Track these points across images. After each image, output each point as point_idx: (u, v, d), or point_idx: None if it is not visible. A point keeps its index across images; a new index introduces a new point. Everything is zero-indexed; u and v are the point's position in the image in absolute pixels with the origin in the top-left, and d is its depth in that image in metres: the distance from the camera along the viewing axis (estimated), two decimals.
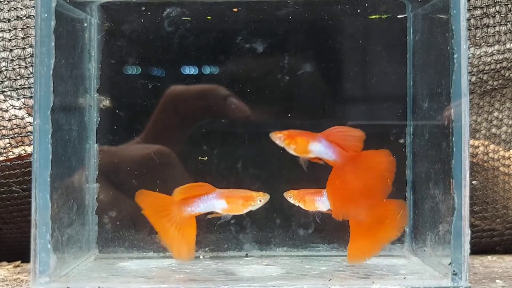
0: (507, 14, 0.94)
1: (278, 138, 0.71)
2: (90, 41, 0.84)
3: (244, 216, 0.83)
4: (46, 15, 0.70)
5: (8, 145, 0.91)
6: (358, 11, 0.84)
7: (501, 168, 0.97)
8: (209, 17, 0.83)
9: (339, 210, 0.72)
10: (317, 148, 0.71)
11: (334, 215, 0.74)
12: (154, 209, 0.78)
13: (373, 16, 0.84)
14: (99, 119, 0.85)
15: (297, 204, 0.78)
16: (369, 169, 0.73)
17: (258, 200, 0.78)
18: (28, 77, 0.91)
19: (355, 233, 0.79)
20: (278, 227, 0.85)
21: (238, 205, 0.78)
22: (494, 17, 0.94)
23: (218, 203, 0.78)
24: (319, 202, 0.77)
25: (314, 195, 0.77)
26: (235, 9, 0.81)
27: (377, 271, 0.77)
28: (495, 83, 0.96)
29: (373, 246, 0.79)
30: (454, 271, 0.69)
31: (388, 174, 0.73)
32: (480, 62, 0.94)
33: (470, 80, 0.92)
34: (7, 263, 0.94)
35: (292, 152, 0.71)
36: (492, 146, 0.96)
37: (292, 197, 0.78)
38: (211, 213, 0.79)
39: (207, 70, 0.86)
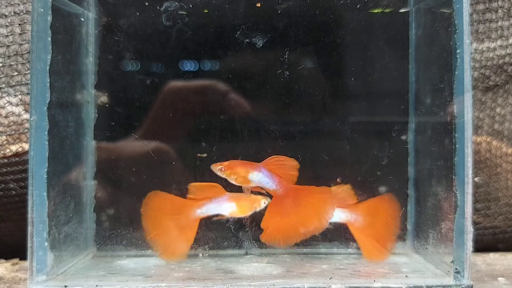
0: (510, 9, 0.93)
1: (219, 169, 0.71)
2: (87, 36, 0.83)
3: (229, 221, 0.83)
4: (42, 10, 0.69)
5: (5, 142, 0.90)
6: (358, 6, 0.83)
7: (504, 165, 0.96)
8: (205, 11, 0.83)
9: (269, 235, 0.74)
10: (257, 178, 0.72)
11: (262, 239, 0.75)
12: (166, 210, 0.78)
13: (376, 10, 0.83)
14: (96, 115, 0.85)
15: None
16: (307, 204, 0.74)
17: (263, 202, 0.79)
18: (26, 74, 0.90)
19: (359, 236, 0.81)
20: None
21: (246, 208, 0.79)
22: (496, 12, 0.93)
23: (229, 206, 0.79)
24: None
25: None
26: (259, 4, 0.81)
27: (379, 269, 0.77)
28: (497, 78, 0.95)
29: (382, 241, 0.80)
30: (456, 269, 0.69)
31: (324, 211, 0.74)
32: (483, 57, 0.94)
33: (472, 76, 0.91)
34: (5, 260, 0.93)
35: (233, 182, 0.73)
36: (494, 143, 0.96)
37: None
38: (217, 215, 0.80)
39: (205, 65, 0.85)
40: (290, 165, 0.74)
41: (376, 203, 0.82)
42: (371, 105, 0.86)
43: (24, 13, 0.90)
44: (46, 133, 0.69)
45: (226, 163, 0.73)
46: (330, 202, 0.74)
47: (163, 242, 0.79)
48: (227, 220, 0.80)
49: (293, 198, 0.72)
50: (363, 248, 0.82)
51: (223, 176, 0.72)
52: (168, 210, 0.79)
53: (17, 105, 0.90)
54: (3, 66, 0.90)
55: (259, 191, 0.76)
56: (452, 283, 0.68)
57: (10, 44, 0.90)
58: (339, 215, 0.79)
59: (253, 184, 0.72)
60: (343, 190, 0.80)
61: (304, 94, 0.85)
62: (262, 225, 0.74)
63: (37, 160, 0.69)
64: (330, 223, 0.78)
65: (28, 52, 0.90)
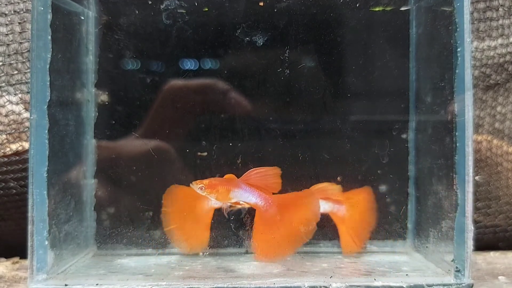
0: (511, 7, 0.93)
1: (199, 188, 0.71)
2: (87, 34, 0.83)
3: (243, 213, 0.83)
4: (42, 8, 0.69)
5: (5, 141, 0.90)
6: (358, 5, 0.83)
7: (504, 164, 0.96)
8: (205, 9, 0.82)
9: (261, 252, 0.74)
10: (238, 194, 0.72)
11: (257, 259, 0.75)
12: (187, 203, 0.78)
13: (377, 8, 0.83)
14: (96, 114, 0.85)
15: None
16: (293, 211, 0.74)
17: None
18: (26, 72, 0.90)
19: (341, 228, 0.81)
20: None
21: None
22: (497, 10, 0.93)
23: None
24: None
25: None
26: (261, 3, 0.81)
27: (379, 268, 0.76)
28: (498, 77, 0.95)
29: (360, 235, 0.81)
30: (457, 267, 0.69)
31: (311, 215, 0.75)
32: (483, 56, 0.94)
33: (473, 74, 0.91)
34: (5, 259, 0.93)
35: (214, 200, 0.72)
36: (495, 142, 0.95)
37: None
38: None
39: (206, 63, 0.85)
40: (272, 174, 0.74)
41: (356, 195, 0.82)
42: (371, 103, 0.86)
43: (24, 12, 0.90)
44: (46, 131, 0.69)
45: (206, 181, 0.72)
46: (315, 204, 0.74)
47: (185, 233, 0.79)
48: (239, 211, 0.80)
49: (277, 208, 0.72)
50: (343, 240, 0.82)
51: (203, 194, 0.72)
52: (187, 203, 0.78)
53: (17, 103, 0.90)
54: (3, 64, 0.90)
55: (239, 206, 0.76)
56: (453, 281, 0.68)
57: (10, 42, 0.90)
58: (323, 206, 0.80)
59: (234, 200, 0.72)
60: (333, 189, 0.81)
61: (304, 92, 0.85)
62: (254, 241, 0.74)
63: (37, 159, 0.69)
64: (243, 202, 0.78)
65: (28, 51, 0.90)
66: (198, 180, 0.73)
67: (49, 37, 0.69)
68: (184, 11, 0.82)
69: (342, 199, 0.81)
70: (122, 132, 0.85)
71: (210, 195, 0.72)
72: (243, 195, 0.71)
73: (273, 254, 0.74)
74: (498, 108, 0.96)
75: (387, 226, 0.86)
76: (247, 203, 0.72)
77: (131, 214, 0.85)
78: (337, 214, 0.80)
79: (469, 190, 0.68)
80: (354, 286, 0.67)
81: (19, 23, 0.90)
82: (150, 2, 0.81)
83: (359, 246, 0.82)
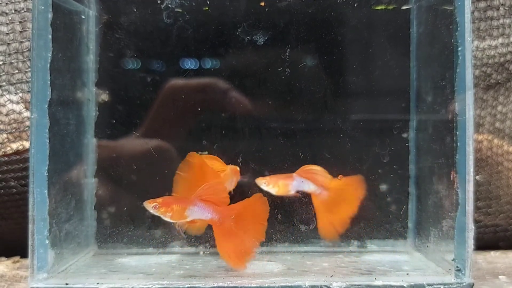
0: None
1: (152, 207, 0.70)
2: (87, 33, 0.83)
3: None
4: (43, 8, 0.69)
5: (5, 140, 0.90)
6: (358, 4, 0.83)
7: (505, 163, 0.96)
8: (206, 8, 0.82)
9: (234, 262, 0.74)
10: (193, 211, 0.72)
11: (235, 268, 0.75)
12: (202, 174, 0.75)
13: (379, 7, 0.83)
14: (97, 113, 0.85)
15: (269, 190, 0.81)
16: (247, 217, 0.75)
17: None
18: (26, 71, 0.90)
19: (319, 211, 0.81)
20: (279, 223, 0.85)
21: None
22: (498, 9, 0.93)
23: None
24: (290, 186, 0.81)
25: (287, 180, 0.81)
26: (262, 3, 0.81)
27: (380, 267, 0.76)
28: (499, 76, 0.95)
29: (339, 221, 0.82)
30: (457, 267, 0.69)
31: (262, 216, 0.75)
32: (484, 55, 0.93)
33: (473, 74, 0.91)
34: (5, 258, 0.93)
35: (168, 219, 0.71)
36: (496, 141, 0.95)
37: (266, 183, 0.80)
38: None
39: (206, 63, 0.85)
40: (220, 188, 0.74)
41: (345, 182, 0.82)
42: (372, 102, 0.86)
43: (24, 11, 0.90)
44: (47, 131, 0.69)
45: (159, 199, 0.71)
46: (266, 206, 0.75)
47: None
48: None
49: (232, 219, 0.73)
50: (320, 223, 0.82)
51: (157, 214, 0.70)
52: (203, 174, 0.76)
53: (17, 103, 0.90)
54: (3, 64, 0.90)
55: (194, 223, 0.75)
56: (453, 281, 0.68)
57: (10, 42, 0.90)
58: (307, 186, 0.81)
59: (190, 219, 0.72)
60: (322, 172, 0.81)
61: (305, 91, 0.85)
62: (222, 256, 0.75)
63: (38, 158, 0.69)
64: (298, 192, 0.81)
65: (28, 50, 0.90)
66: (151, 199, 0.70)
67: (50, 36, 0.69)
68: (180, 10, 0.82)
69: (330, 183, 0.81)
70: (122, 131, 0.85)
71: (165, 215, 0.70)
72: (199, 212, 0.71)
73: (243, 260, 0.74)
74: (499, 108, 0.96)
75: (387, 226, 0.86)
76: (202, 219, 0.72)
77: (131, 213, 0.85)
78: (319, 196, 0.81)
79: (470, 189, 0.68)
80: (355, 285, 0.67)
81: (19, 22, 0.90)
82: (159, 1, 0.81)
83: (337, 231, 0.82)
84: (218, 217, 0.72)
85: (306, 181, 0.81)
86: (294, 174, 0.81)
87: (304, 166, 0.81)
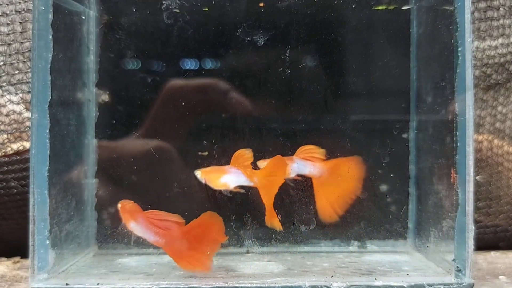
0: None
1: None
2: (88, 34, 0.83)
3: (244, 212, 0.83)
4: (43, 8, 0.69)
5: (6, 140, 0.90)
6: (358, 5, 0.83)
7: (505, 164, 0.96)
8: (206, 9, 0.82)
9: (194, 269, 0.74)
10: (140, 232, 0.72)
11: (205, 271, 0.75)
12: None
13: (379, 8, 0.83)
14: (97, 113, 0.85)
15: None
16: (198, 237, 0.74)
17: None
18: (27, 72, 0.90)
19: (319, 193, 0.80)
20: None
21: None
22: (498, 10, 0.93)
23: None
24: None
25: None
26: (261, 4, 0.81)
27: (380, 267, 0.76)
28: (499, 77, 0.95)
29: (338, 202, 0.81)
30: (457, 267, 0.69)
31: (218, 233, 0.75)
32: (484, 55, 0.93)
33: (473, 74, 0.91)
34: (6, 258, 0.93)
35: (138, 233, 0.72)
36: (496, 141, 0.95)
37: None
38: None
39: (206, 63, 0.85)
40: (171, 219, 0.73)
41: (343, 163, 0.81)
42: (372, 103, 0.86)
43: (25, 11, 0.90)
44: (47, 131, 0.69)
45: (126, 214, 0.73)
46: (220, 225, 0.74)
47: None
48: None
49: (184, 240, 0.72)
50: (318, 204, 0.81)
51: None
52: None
53: (18, 103, 0.90)
54: (4, 64, 0.91)
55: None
56: (453, 281, 0.68)
57: (11, 42, 0.90)
58: (306, 168, 0.79)
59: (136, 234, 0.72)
60: (318, 152, 0.80)
61: (305, 92, 0.85)
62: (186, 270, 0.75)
63: (39, 158, 0.69)
64: (299, 175, 0.79)
65: (29, 50, 0.90)
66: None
67: (50, 37, 0.69)
68: (179, 11, 0.82)
69: (327, 163, 0.80)
70: (123, 132, 0.85)
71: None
72: (141, 232, 0.72)
73: (206, 268, 0.73)
74: (499, 108, 0.96)
75: (388, 226, 0.86)
76: (158, 245, 0.73)
77: None
78: (317, 177, 0.79)
79: (469, 189, 0.68)
80: (355, 285, 0.67)
81: (20, 22, 0.90)
82: (163, 2, 0.81)
83: (337, 212, 0.81)
84: (167, 239, 0.71)
85: (307, 162, 0.79)
86: (294, 157, 0.79)
87: (302, 147, 0.80)
